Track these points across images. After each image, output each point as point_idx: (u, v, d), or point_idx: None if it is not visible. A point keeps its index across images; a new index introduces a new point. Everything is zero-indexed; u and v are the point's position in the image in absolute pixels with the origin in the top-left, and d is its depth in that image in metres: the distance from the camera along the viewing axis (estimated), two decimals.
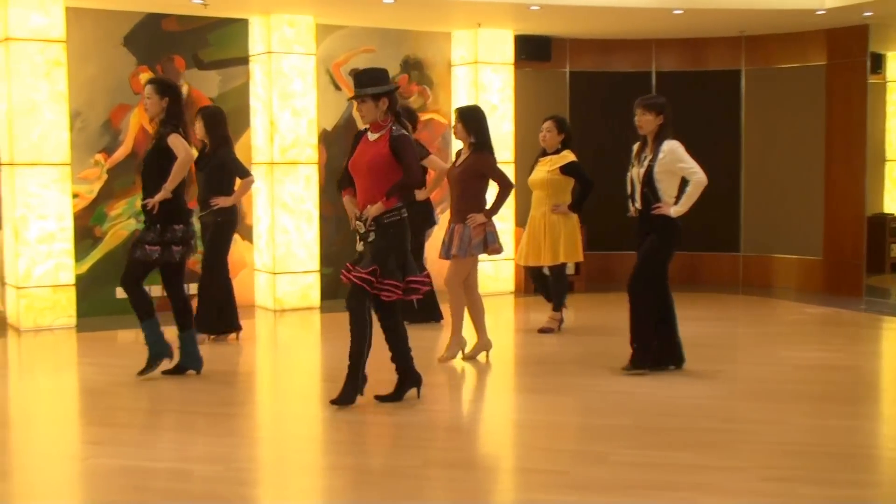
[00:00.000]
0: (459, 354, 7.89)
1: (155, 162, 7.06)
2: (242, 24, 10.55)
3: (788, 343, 8.90)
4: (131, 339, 8.62)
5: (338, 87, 11.07)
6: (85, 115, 9.81)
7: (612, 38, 12.37)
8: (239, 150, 10.52)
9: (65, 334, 9.06)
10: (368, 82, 6.38)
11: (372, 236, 6.30)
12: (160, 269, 7.15)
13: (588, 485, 5.00)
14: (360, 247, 6.38)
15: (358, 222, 6.35)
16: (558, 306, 9.09)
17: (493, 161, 7.82)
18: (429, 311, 9.43)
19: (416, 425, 6.17)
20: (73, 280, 9.38)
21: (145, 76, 10.04)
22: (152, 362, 7.19)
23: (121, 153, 9.99)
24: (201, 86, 10.38)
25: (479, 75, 11.44)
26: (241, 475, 5.26)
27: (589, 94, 12.40)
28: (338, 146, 11.03)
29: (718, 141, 12.39)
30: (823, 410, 6.52)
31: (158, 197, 6.97)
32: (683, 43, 12.44)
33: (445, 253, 7.79)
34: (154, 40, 10.16)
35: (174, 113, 7.09)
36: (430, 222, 9.22)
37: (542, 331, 9.02)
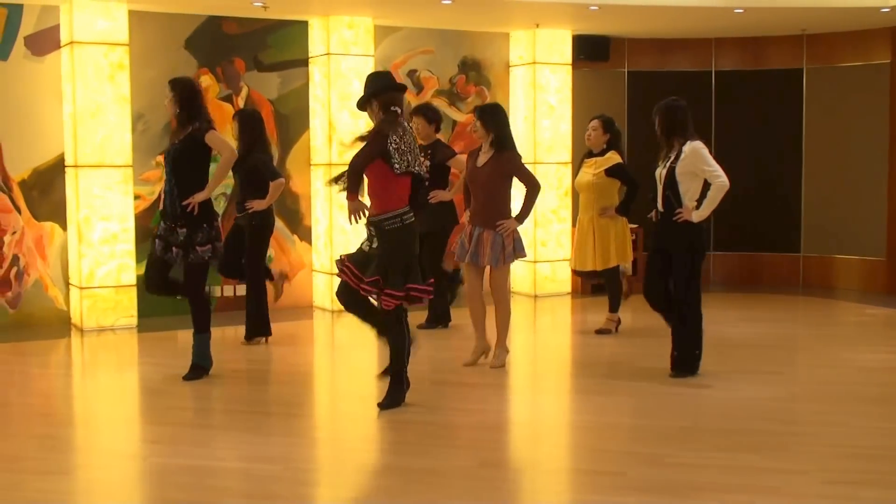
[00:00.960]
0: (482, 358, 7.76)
1: (188, 159, 7.04)
2: (302, 25, 10.63)
3: (850, 345, 8.78)
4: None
5: None
6: (147, 117, 9.93)
7: (671, 38, 12.28)
8: (297, 152, 10.64)
9: (126, 334, 9.18)
10: (364, 90, 6.44)
11: (376, 242, 6.31)
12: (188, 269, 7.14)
13: (646, 486, 4.97)
14: (364, 246, 6.41)
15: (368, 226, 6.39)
16: (615, 308, 9.04)
17: (520, 160, 7.65)
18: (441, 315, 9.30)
19: (472, 426, 6.17)
20: (134, 280, 9.50)
21: (206, 78, 10.16)
22: (197, 373, 7.29)
23: None
24: (261, 88, 10.47)
25: (537, 76, 11.41)
26: (300, 475, 5.30)
27: (647, 94, 12.23)
28: None
29: (779, 141, 12.27)
30: (887, 413, 6.42)
31: (201, 196, 6.98)
32: (744, 42, 12.31)
33: (472, 258, 7.58)
34: (215, 43, 10.27)
35: (199, 110, 7.10)
36: (454, 223, 9.08)
37: (600, 332, 8.99)
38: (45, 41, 9.55)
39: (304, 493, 5.05)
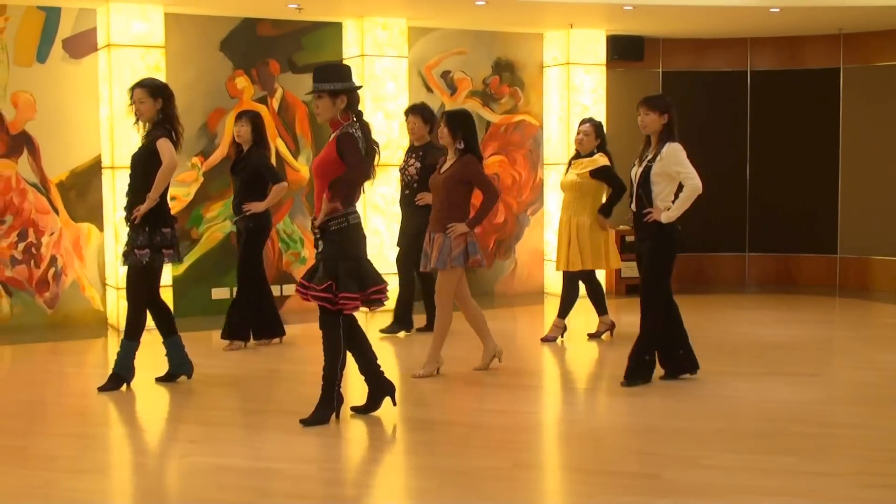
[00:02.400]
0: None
1: (143, 164, 6.93)
2: (336, 27, 10.65)
3: (888, 346, 8.69)
4: (222, 342, 8.71)
5: (430, 90, 11.12)
6: (182, 119, 9.89)
7: (707, 38, 12.22)
8: None
9: None
10: (327, 78, 5.95)
11: (321, 245, 5.96)
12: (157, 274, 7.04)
13: (681, 489, 4.94)
14: (317, 256, 6.05)
15: (314, 230, 6.05)
16: (564, 313, 8.74)
17: (481, 168, 7.38)
18: (403, 320, 9.15)
19: (504, 427, 6.16)
20: (170, 281, 9.56)
21: (241, 80, 10.22)
22: (114, 383, 7.08)
23: (217, 156, 10.16)
24: (295, 89, 10.50)
25: (571, 76, 11.39)
26: (333, 475, 5.31)
27: (682, 95, 12.20)
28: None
29: (816, 141, 12.18)
30: None
31: (144, 207, 6.84)
32: (780, 41, 12.23)
33: (424, 264, 7.42)
34: (250, 45, 10.32)
35: (169, 116, 6.97)
36: None
37: (545, 339, 8.76)
38: (83, 44, 9.64)
39: (338, 494, 5.06)
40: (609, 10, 10.30)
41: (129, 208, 6.98)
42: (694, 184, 6.88)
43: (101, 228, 9.73)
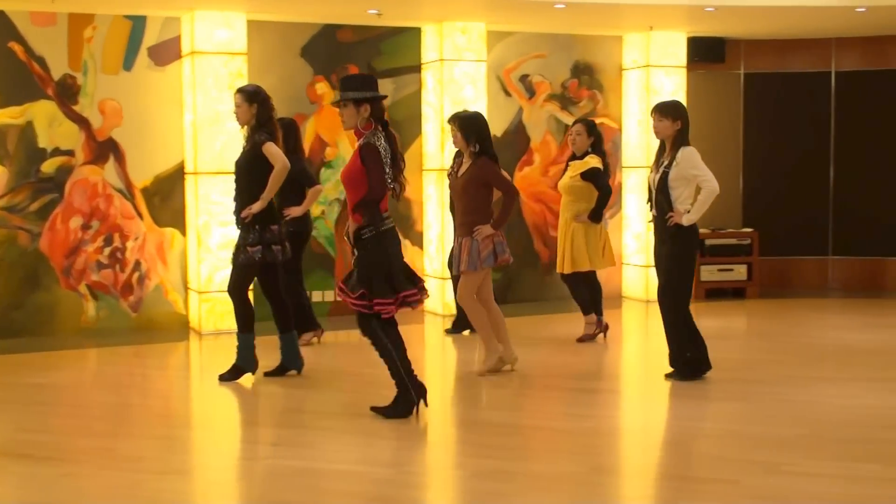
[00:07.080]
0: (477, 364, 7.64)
1: (250, 168, 7.27)
2: (414, 32, 10.71)
3: None
4: (304, 343, 8.79)
5: (508, 94, 11.12)
6: None
7: (790, 38, 12.02)
8: (410, 157, 10.66)
9: None
10: (352, 87, 6.18)
11: (355, 253, 6.17)
12: (259, 271, 7.40)
13: (761, 495, 4.88)
14: (353, 262, 6.25)
15: (348, 239, 6.26)
16: (599, 311, 8.76)
17: (497, 168, 7.48)
18: (465, 320, 9.12)
19: (584, 431, 6.13)
20: (252, 286, 9.66)
21: (321, 85, 10.32)
22: (236, 372, 7.44)
23: None
24: None
25: (651, 79, 11.30)
26: (412, 478, 5.34)
27: (764, 97, 12.08)
28: (508, 152, 11.06)
29: None
30: None
31: (256, 207, 7.18)
32: (866, 41, 11.98)
33: (456, 269, 7.49)
34: (330, 50, 10.42)
35: (265, 119, 7.27)
36: None
37: (581, 340, 8.71)
38: (167, 51, 9.81)
39: (416, 497, 5.08)
40: (690, 12, 10.20)
41: (239, 211, 7.35)
42: (711, 186, 7.01)
43: (183, 233, 9.89)
